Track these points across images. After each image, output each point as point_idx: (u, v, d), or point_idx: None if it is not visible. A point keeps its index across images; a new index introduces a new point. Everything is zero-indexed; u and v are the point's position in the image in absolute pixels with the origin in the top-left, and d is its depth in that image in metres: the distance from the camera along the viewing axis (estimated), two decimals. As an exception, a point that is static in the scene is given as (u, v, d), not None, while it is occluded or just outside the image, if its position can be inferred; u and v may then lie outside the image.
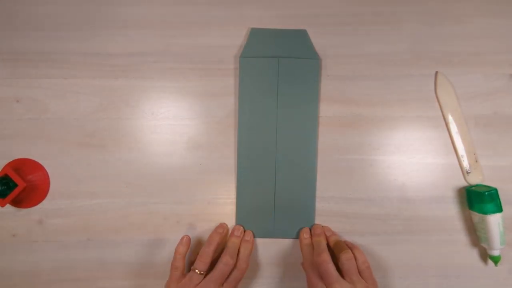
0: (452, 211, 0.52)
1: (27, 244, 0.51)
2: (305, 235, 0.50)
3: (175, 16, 0.52)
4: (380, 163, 0.52)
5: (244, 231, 0.51)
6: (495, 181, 0.51)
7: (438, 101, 0.52)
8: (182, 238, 0.49)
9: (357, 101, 0.52)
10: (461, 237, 0.52)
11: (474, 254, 0.52)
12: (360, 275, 0.45)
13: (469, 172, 0.51)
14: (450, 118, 0.51)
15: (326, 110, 0.52)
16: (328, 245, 0.49)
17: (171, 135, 0.52)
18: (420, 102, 0.52)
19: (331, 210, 0.52)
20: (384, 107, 0.52)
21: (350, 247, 0.49)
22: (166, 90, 0.52)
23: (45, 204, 0.51)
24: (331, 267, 0.45)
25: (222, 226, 0.51)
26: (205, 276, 0.46)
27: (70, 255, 0.51)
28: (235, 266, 0.47)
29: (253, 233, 0.51)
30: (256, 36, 0.51)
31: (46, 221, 0.51)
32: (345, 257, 0.45)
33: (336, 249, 0.48)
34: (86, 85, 0.51)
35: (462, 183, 0.51)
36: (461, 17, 0.52)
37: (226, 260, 0.46)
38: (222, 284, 0.46)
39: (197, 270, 0.46)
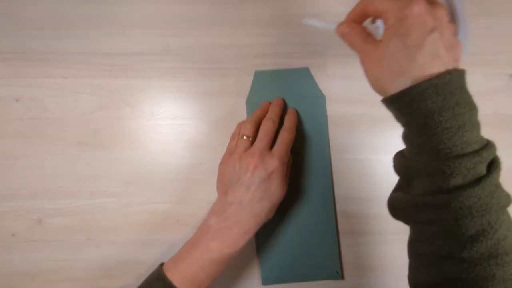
0: (452, 211, 0.51)
1: (27, 244, 0.51)
2: None
3: (175, 16, 0.52)
4: (380, 163, 0.52)
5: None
6: (495, 181, 0.51)
7: (438, 101, 0.52)
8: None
9: (357, 101, 0.52)
10: (461, 237, 0.52)
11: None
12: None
13: (469, 172, 0.51)
14: (450, 118, 0.51)
15: (326, 110, 0.52)
16: None
17: (171, 134, 0.52)
18: (420, 102, 0.52)
19: (331, 210, 0.51)
20: (384, 107, 0.52)
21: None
22: (166, 89, 0.52)
23: (44, 204, 0.51)
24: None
25: (265, 103, 0.50)
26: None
27: (70, 254, 0.51)
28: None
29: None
30: (260, 78, 0.52)
31: (45, 221, 0.51)
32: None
33: None
34: (86, 84, 0.51)
35: (462, 183, 0.51)
36: (461, 17, 0.52)
37: (265, 122, 0.46)
38: (270, 146, 0.45)
39: (244, 136, 0.46)
